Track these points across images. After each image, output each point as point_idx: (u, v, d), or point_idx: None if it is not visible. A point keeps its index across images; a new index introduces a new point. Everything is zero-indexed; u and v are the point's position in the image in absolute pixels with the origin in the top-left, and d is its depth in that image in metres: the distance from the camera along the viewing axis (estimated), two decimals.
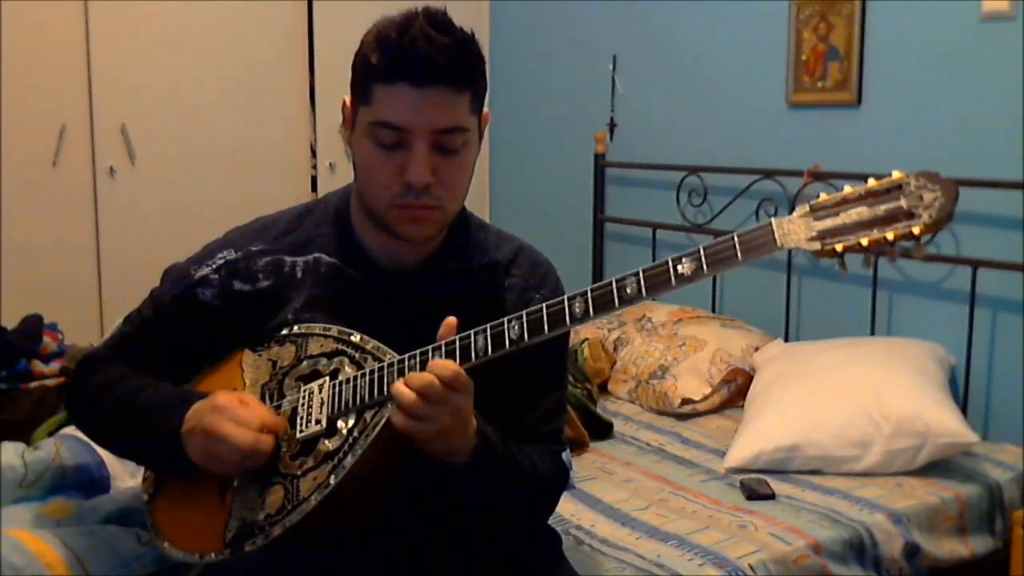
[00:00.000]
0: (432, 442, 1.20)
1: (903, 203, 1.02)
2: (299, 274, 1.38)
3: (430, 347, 1.21)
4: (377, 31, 1.26)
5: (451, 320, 1.21)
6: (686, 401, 2.65)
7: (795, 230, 1.06)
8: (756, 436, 2.26)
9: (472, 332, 1.20)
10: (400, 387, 1.16)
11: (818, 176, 2.81)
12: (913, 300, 2.68)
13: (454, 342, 1.20)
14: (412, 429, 1.17)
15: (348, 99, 1.33)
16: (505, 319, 1.19)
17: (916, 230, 1.01)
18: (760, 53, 3.04)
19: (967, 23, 2.52)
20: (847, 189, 1.07)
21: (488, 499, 1.31)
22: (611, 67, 3.55)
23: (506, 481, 1.31)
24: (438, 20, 1.24)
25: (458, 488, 1.28)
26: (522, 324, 1.17)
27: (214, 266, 1.39)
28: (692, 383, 2.67)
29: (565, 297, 1.17)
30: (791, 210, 2.83)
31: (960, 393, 2.52)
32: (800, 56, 2.92)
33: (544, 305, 1.17)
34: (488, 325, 1.19)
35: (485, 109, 1.34)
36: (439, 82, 1.23)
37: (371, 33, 1.27)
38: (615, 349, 2.94)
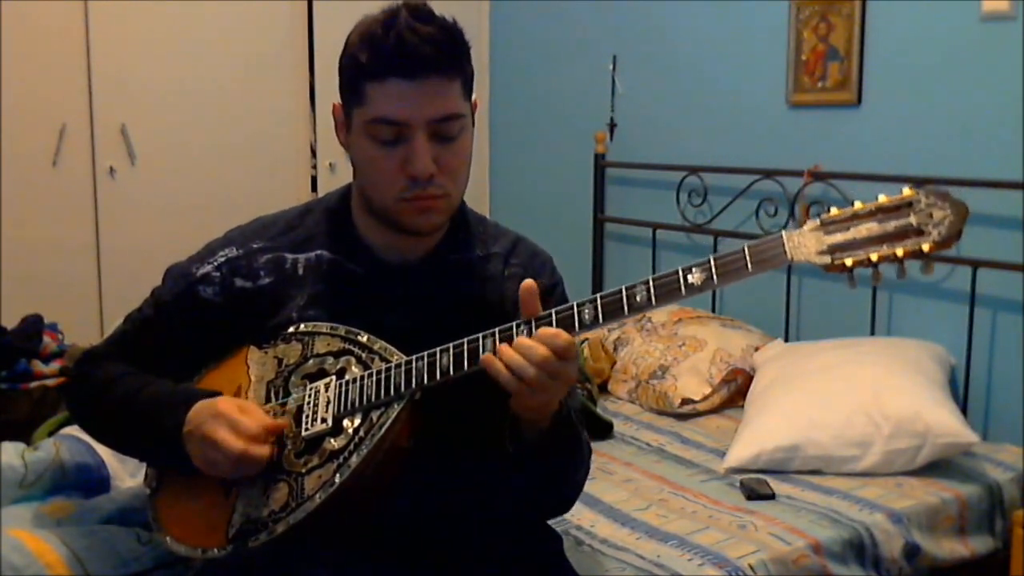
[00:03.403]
0: (534, 408, 1.22)
1: (913, 220, 1.04)
2: (301, 271, 1.38)
3: (438, 349, 1.22)
4: (361, 30, 1.27)
5: (529, 283, 1.21)
6: (686, 401, 2.65)
7: (805, 243, 1.08)
8: (756, 436, 2.26)
9: (480, 336, 1.21)
10: (515, 357, 1.16)
11: (818, 176, 2.81)
12: (913, 300, 2.69)
13: (462, 344, 1.21)
14: (520, 393, 1.18)
15: (338, 103, 1.33)
16: (514, 323, 1.20)
17: (925, 247, 1.03)
18: (760, 53, 3.04)
19: (967, 23, 2.52)
20: (857, 204, 1.08)
21: (552, 468, 1.34)
22: (611, 67, 3.55)
23: (571, 451, 1.34)
24: (420, 12, 1.25)
25: (528, 455, 1.29)
26: (531, 329, 1.18)
27: (215, 263, 1.39)
28: (692, 383, 2.67)
29: (575, 304, 1.18)
30: (791, 210, 2.86)
31: (960, 393, 2.52)
32: (800, 56, 2.92)
33: (553, 311, 1.19)
34: (497, 329, 1.20)
35: (474, 96, 1.35)
36: (430, 72, 1.24)
37: (355, 33, 1.28)
38: (615, 349, 2.94)
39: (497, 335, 1.20)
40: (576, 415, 1.35)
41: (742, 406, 2.57)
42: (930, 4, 2.60)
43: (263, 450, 1.25)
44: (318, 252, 1.39)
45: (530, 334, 1.18)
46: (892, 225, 1.04)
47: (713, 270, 1.11)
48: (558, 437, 1.29)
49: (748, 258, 1.09)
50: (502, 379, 1.17)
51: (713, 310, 3.14)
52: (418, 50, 1.22)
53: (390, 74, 1.23)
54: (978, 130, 2.52)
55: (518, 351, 1.17)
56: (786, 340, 2.88)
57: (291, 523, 1.21)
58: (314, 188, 3.80)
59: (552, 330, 1.17)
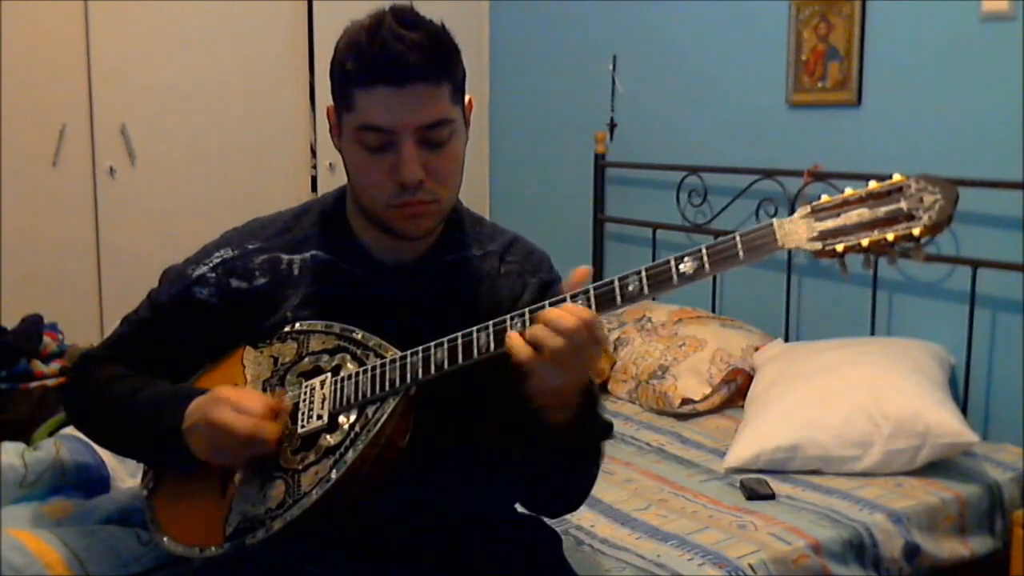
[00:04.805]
0: (553, 391, 1.19)
1: (903, 205, 1.04)
2: (296, 272, 1.38)
3: (432, 343, 1.22)
4: (348, 37, 1.27)
5: (583, 269, 1.20)
6: (686, 401, 2.65)
7: (796, 230, 1.08)
8: (756, 436, 2.25)
9: (475, 329, 1.20)
10: (542, 329, 1.14)
11: (818, 176, 2.81)
12: (913, 300, 2.68)
13: (456, 338, 1.20)
14: (540, 368, 1.15)
15: (331, 107, 1.33)
16: (508, 316, 1.19)
17: (916, 232, 1.02)
18: (760, 53, 3.04)
19: (967, 23, 2.52)
20: (848, 191, 1.08)
21: (571, 461, 1.33)
22: (611, 67, 3.55)
23: (591, 446, 1.33)
24: (406, 17, 1.24)
25: (545, 446, 1.27)
26: (524, 322, 1.18)
27: (211, 265, 1.39)
28: (692, 383, 2.67)
29: (568, 294, 1.17)
30: (791, 210, 2.86)
31: (960, 393, 2.52)
32: (800, 56, 2.92)
33: (547, 302, 1.18)
34: (491, 322, 1.20)
35: (468, 96, 1.34)
36: (416, 79, 1.23)
37: (343, 39, 1.28)
38: (615, 349, 2.94)
39: (491, 328, 1.19)
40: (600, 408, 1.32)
41: (742, 406, 2.57)
42: (930, 4, 2.60)
43: (273, 427, 1.24)
44: (313, 253, 1.39)
45: (524, 327, 1.17)
46: (883, 210, 1.04)
47: (705, 258, 1.11)
48: (583, 426, 1.26)
49: (740, 246, 1.09)
50: (521, 354, 1.15)
51: (713, 310, 3.13)
52: (403, 57, 1.21)
53: (376, 82, 1.23)
54: (978, 130, 2.52)
55: (544, 321, 1.15)
56: (786, 340, 2.88)
57: (288, 520, 1.21)
58: (314, 188, 3.80)
59: (579, 306, 1.15)
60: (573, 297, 1.17)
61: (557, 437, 1.25)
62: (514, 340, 1.16)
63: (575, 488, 1.41)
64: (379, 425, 1.22)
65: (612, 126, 3.57)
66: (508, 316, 1.19)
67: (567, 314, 1.14)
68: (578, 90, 3.73)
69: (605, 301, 1.15)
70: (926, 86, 2.64)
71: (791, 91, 2.96)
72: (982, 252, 2.46)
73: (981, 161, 2.49)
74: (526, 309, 1.19)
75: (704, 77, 3.25)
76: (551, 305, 1.17)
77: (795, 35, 2.92)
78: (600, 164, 3.55)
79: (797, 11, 2.91)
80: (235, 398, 1.24)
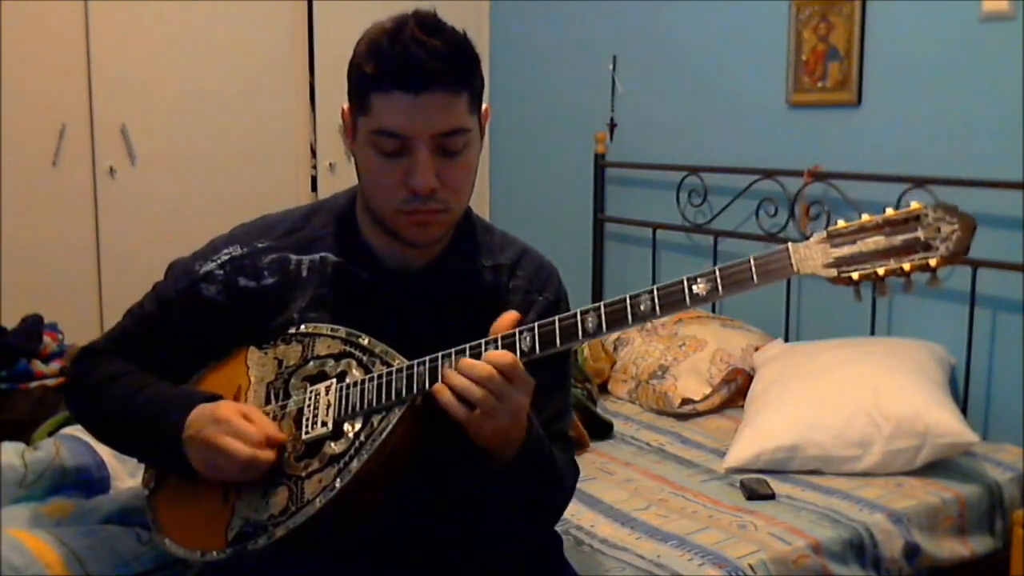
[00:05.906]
0: (489, 437, 1.20)
1: (920, 234, 1.03)
2: (304, 273, 1.38)
3: (440, 353, 1.21)
4: (369, 39, 1.25)
5: (512, 314, 1.21)
6: (686, 401, 2.65)
7: (812, 256, 1.07)
8: (756, 436, 2.25)
9: (483, 342, 1.20)
10: (460, 379, 1.16)
11: (818, 176, 2.81)
12: (913, 300, 2.68)
13: (464, 349, 1.20)
14: (470, 421, 1.17)
15: (347, 107, 1.32)
16: (516, 330, 1.19)
17: (933, 262, 1.03)
18: (760, 53, 3.04)
19: (967, 23, 2.52)
20: (865, 217, 1.07)
21: (523, 496, 1.32)
22: (611, 67, 3.55)
23: (543, 481, 1.32)
24: (429, 23, 1.22)
25: (496, 481, 1.27)
26: (534, 336, 1.18)
27: (219, 262, 1.38)
28: (692, 383, 2.67)
29: (578, 311, 1.17)
30: (791, 210, 2.86)
31: (960, 393, 2.52)
32: (800, 56, 2.92)
33: (557, 318, 1.18)
34: (500, 336, 1.19)
35: (484, 104, 1.33)
36: (435, 86, 1.22)
37: (363, 42, 1.26)
38: (615, 349, 2.94)
39: (499, 341, 1.19)
40: (547, 444, 1.32)
41: (742, 406, 2.57)
42: (930, 4, 2.60)
43: (269, 455, 1.24)
44: (322, 255, 1.38)
45: (533, 342, 1.17)
46: (899, 239, 1.04)
47: (718, 281, 1.10)
48: (526, 467, 1.26)
49: (754, 270, 1.08)
50: (449, 406, 1.17)
51: (713, 310, 3.13)
52: (424, 64, 1.20)
53: (394, 87, 1.21)
54: (978, 130, 2.52)
55: (461, 371, 1.17)
56: (786, 340, 2.88)
57: (291, 527, 1.21)
58: (314, 188, 3.81)
59: (498, 351, 1.17)
60: (562, 322, 1.17)
61: (506, 472, 1.25)
62: (442, 394, 1.17)
63: (537, 513, 1.40)
64: (384, 435, 1.21)
65: (612, 126, 3.57)
66: (516, 330, 1.19)
67: (482, 363, 1.16)
68: (578, 90, 3.73)
69: (616, 320, 1.15)
70: (926, 86, 2.64)
71: (791, 91, 2.96)
72: (982, 252, 2.45)
73: (981, 161, 2.49)
74: (535, 323, 1.18)
75: (704, 77, 3.25)
76: (472, 351, 1.19)
77: (795, 35, 2.92)
78: (600, 164, 3.55)
79: (797, 11, 2.91)
80: (236, 422, 1.24)
